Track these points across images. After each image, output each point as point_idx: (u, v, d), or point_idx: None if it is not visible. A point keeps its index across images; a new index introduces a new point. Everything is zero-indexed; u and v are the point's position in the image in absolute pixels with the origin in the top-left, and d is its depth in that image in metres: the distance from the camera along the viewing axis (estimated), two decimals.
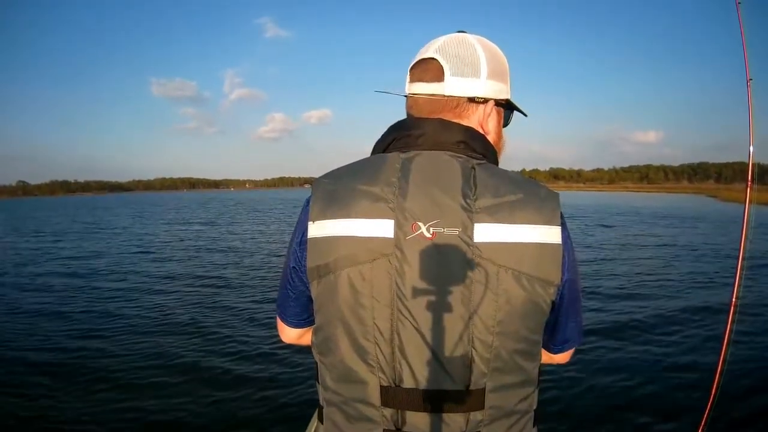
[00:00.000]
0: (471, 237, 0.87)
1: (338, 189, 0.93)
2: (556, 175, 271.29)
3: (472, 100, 1.02)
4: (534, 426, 0.99)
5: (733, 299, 2.12)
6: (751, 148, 2.05)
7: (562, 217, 0.94)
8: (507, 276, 0.87)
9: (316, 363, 1.01)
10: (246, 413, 4.34)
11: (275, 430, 4.10)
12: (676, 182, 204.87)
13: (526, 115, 1.16)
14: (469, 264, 0.87)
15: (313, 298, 0.95)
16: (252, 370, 5.26)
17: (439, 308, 0.87)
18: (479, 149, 0.99)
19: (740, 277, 2.09)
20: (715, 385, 2.20)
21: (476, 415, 0.90)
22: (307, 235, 0.93)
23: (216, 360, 5.61)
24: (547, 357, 1.13)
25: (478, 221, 0.88)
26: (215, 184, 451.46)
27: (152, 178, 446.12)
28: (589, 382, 4.88)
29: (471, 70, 1.00)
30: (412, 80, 1.04)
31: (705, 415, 2.25)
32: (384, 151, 1.01)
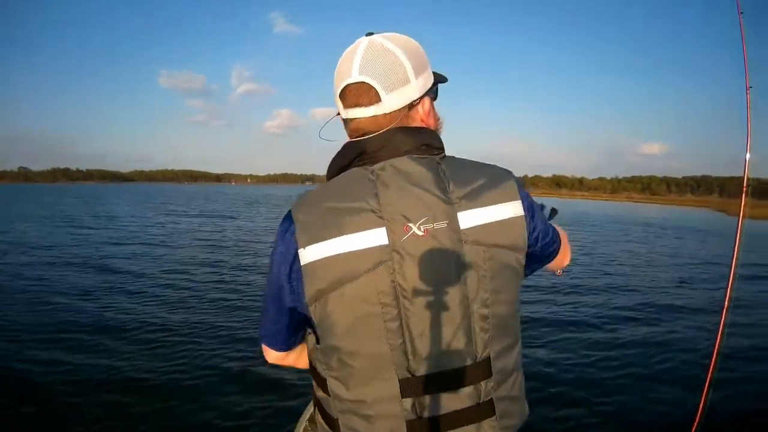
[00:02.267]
0: (458, 226, 0.96)
1: (322, 211, 0.96)
2: (558, 182, 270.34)
3: (411, 106, 1.05)
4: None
5: (726, 304, 2.12)
6: (748, 155, 2.06)
7: (521, 188, 1.05)
8: (492, 252, 0.98)
9: (322, 379, 1.04)
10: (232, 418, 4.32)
11: None
12: (679, 194, 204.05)
13: (446, 80, 1.17)
14: (461, 250, 0.96)
15: (316, 322, 0.97)
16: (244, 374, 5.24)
17: (440, 296, 0.95)
18: (437, 145, 1.05)
19: (732, 284, 2.09)
20: (705, 390, 2.20)
21: (487, 384, 0.99)
22: (299, 263, 0.95)
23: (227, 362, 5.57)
24: (557, 263, 1.26)
25: (460, 210, 0.97)
26: (217, 178, 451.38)
27: (154, 170, 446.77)
28: (583, 388, 4.89)
29: (401, 79, 1.02)
30: (347, 106, 1.05)
31: (697, 417, 2.24)
32: (348, 168, 1.04)
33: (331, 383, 1.01)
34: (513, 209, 1.01)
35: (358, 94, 1.02)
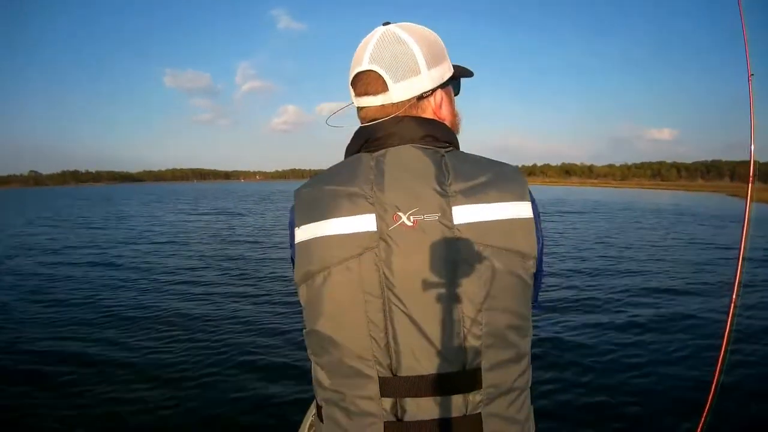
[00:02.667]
0: (450, 220, 0.91)
1: (318, 193, 0.97)
2: (567, 170, 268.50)
3: (420, 97, 1.03)
4: (531, 403, 1.02)
5: (734, 296, 2.11)
6: (753, 147, 2.03)
7: (530, 191, 0.97)
8: (489, 253, 0.91)
9: (311, 364, 1.02)
10: (239, 410, 4.35)
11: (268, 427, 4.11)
12: (689, 180, 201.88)
13: (472, 74, 1.17)
14: (452, 246, 0.90)
15: (302, 303, 0.97)
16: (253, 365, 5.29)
17: (427, 292, 0.90)
18: (444, 138, 1.03)
19: (740, 275, 2.08)
20: (714, 383, 2.19)
21: (475, 396, 0.92)
22: (295, 242, 0.97)
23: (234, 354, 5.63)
24: None
25: (455, 204, 0.91)
26: (225, 176, 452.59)
27: (163, 169, 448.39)
28: (589, 378, 4.90)
29: (411, 70, 1.01)
30: (357, 94, 1.06)
31: (704, 413, 2.24)
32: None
33: (315, 369, 1.00)
34: (518, 210, 0.94)
35: (367, 82, 1.02)
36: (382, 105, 1.02)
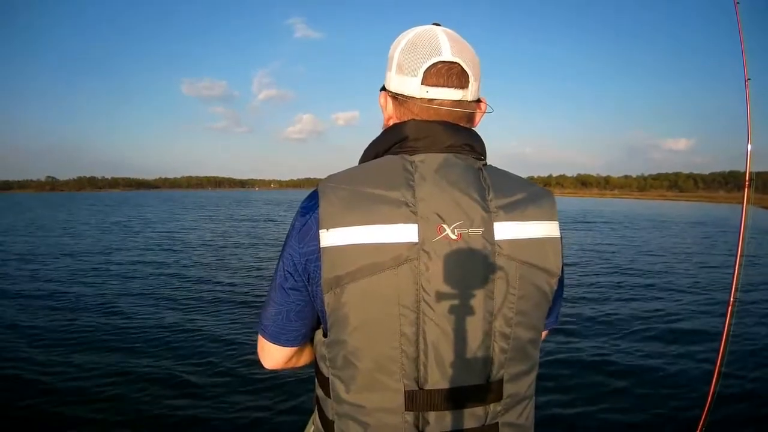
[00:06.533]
0: (492, 236, 0.90)
1: (352, 194, 0.89)
2: (583, 181, 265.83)
3: (477, 102, 1.02)
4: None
5: (731, 299, 2.11)
6: (749, 147, 2.04)
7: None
8: (524, 270, 0.92)
9: (325, 378, 0.98)
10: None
11: None
12: (709, 191, 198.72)
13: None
14: (492, 262, 0.90)
15: (328, 311, 0.90)
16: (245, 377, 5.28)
17: (464, 307, 0.88)
18: (479, 150, 0.99)
19: (738, 277, 2.09)
20: (712, 389, 2.19)
21: (496, 406, 0.93)
22: (318, 245, 0.89)
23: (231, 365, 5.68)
24: None
25: (497, 220, 0.91)
26: (241, 184, 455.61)
27: (179, 176, 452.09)
28: (589, 383, 4.97)
29: (477, 72, 0.99)
30: (431, 84, 0.96)
31: (702, 417, 2.23)
32: (384, 154, 0.98)
33: (333, 382, 0.95)
34: (550, 229, 0.96)
35: (449, 74, 0.95)
36: (459, 101, 0.97)
